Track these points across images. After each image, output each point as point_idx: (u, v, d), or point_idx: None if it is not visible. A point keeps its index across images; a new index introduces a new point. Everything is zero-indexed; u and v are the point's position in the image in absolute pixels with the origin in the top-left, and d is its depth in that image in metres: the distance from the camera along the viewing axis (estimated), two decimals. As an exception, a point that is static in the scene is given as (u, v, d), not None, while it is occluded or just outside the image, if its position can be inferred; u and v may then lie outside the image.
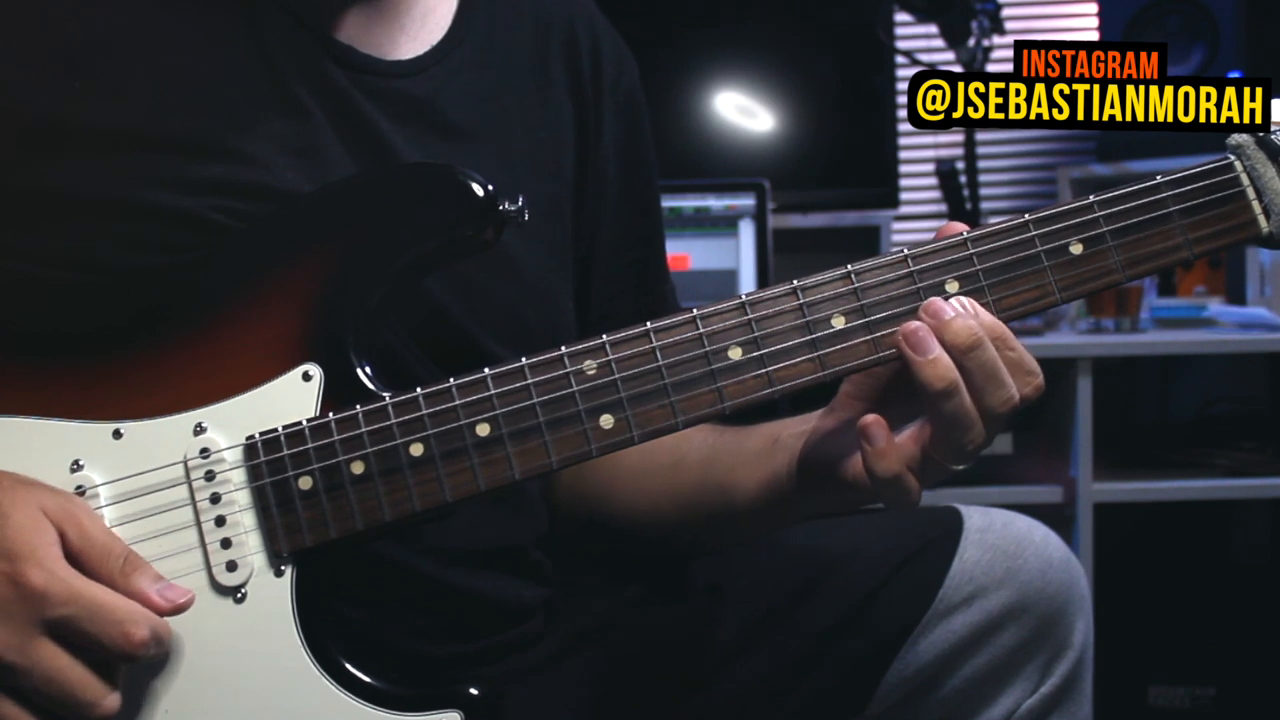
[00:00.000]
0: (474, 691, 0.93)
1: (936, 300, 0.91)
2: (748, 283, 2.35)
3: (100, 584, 0.86)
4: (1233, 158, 0.95)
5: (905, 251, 0.94)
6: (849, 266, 0.94)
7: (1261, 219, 0.94)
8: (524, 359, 0.92)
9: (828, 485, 1.00)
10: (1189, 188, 0.94)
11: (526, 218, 0.96)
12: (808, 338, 0.93)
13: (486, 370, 0.92)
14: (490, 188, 0.95)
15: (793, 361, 0.93)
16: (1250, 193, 0.94)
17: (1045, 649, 1.13)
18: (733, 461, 1.10)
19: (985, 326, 0.90)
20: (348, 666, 0.92)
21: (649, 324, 0.93)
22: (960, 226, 0.95)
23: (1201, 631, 2.49)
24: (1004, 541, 1.14)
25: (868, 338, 0.93)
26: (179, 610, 0.88)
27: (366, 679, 0.92)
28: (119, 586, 0.86)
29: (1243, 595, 2.55)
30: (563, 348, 0.93)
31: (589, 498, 1.21)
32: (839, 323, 0.93)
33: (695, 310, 0.93)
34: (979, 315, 0.91)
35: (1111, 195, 0.94)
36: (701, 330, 0.93)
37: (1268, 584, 2.60)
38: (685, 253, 2.36)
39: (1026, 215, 0.94)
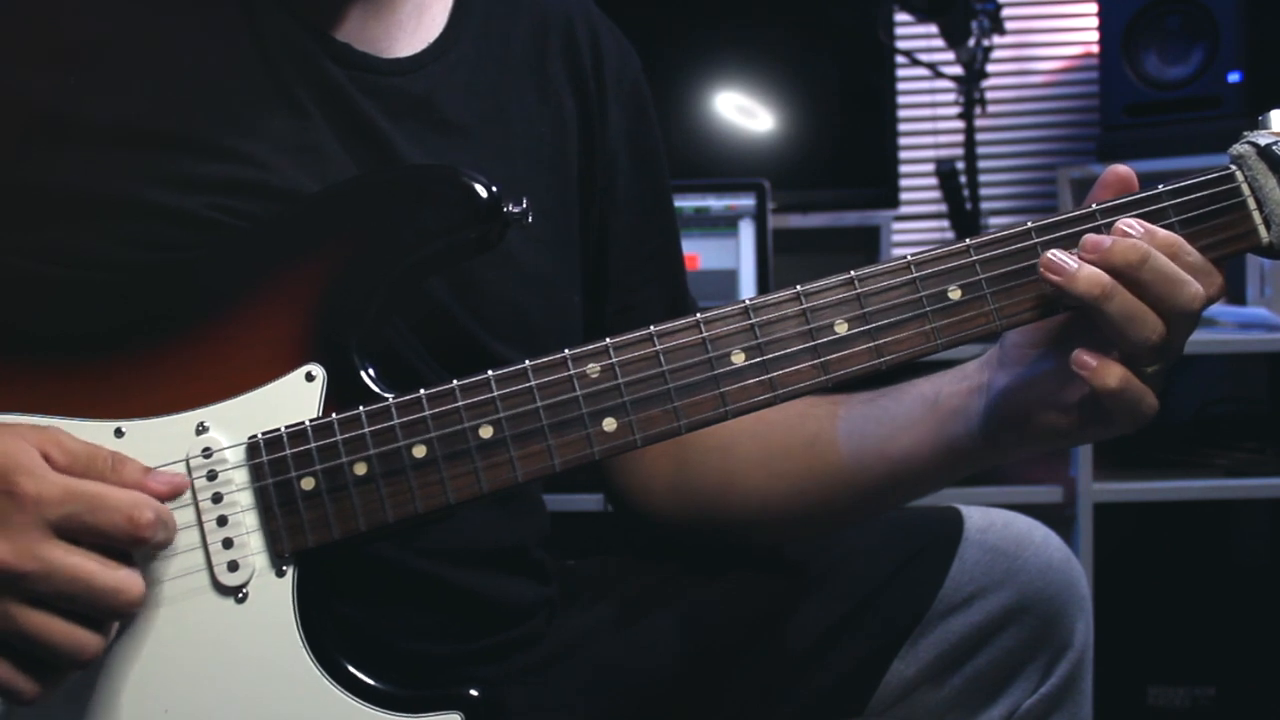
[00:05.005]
0: (474, 693, 0.93)
1: (1090, 235, 0.91)
2: (748, 283, 2.35)
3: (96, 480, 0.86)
4: (1234, 167, 0.95)
5: (908, 258, 0.94)
6: (852, 273, 0.94)
7: (1262, 229, 0.94)
8: (527, 361, 0.93)
9: (1024, 435, 0.99)
10: (1190, 197, 0.94)
11: (530, 219, 0.96)
12: (810, 344, 0.93)
13: (490, 372, 0.93)
14: (494, 189, 0.95)
15: (795, 367, 0.93)
16: (1251, 203, 0.94)
17: (1045, 649, 1.14)
18: (889, 430, 1.07)
19: (1158, 241, 0.90)
20: (349, 667, 0.92)
21: (652, 328, 0.93)
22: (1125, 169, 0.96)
23: (1201, 631, 2.49)
24: (1004, 542, 1.14)
25: (870, 344, 0.93)
26: (176, 491, 0.89)
27: (367, 680, 0.92)
28: (110, 481, 0.87)
29: (1243, 595, 2.55)
30: (566, 350, 0.93)
31: (702, 492, 1.18)
32: (842, 329, 0.93)
33: (698, 314, 0.94)
34: (1154, 233, 0.91)
35: (1114, 203, 0.94)
36: (705, 334, 0.93)
37: (1268, 584, 2.60)
38: (695, 253, 2.36)
39: (1029, 222, 0.94)
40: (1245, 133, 0.96)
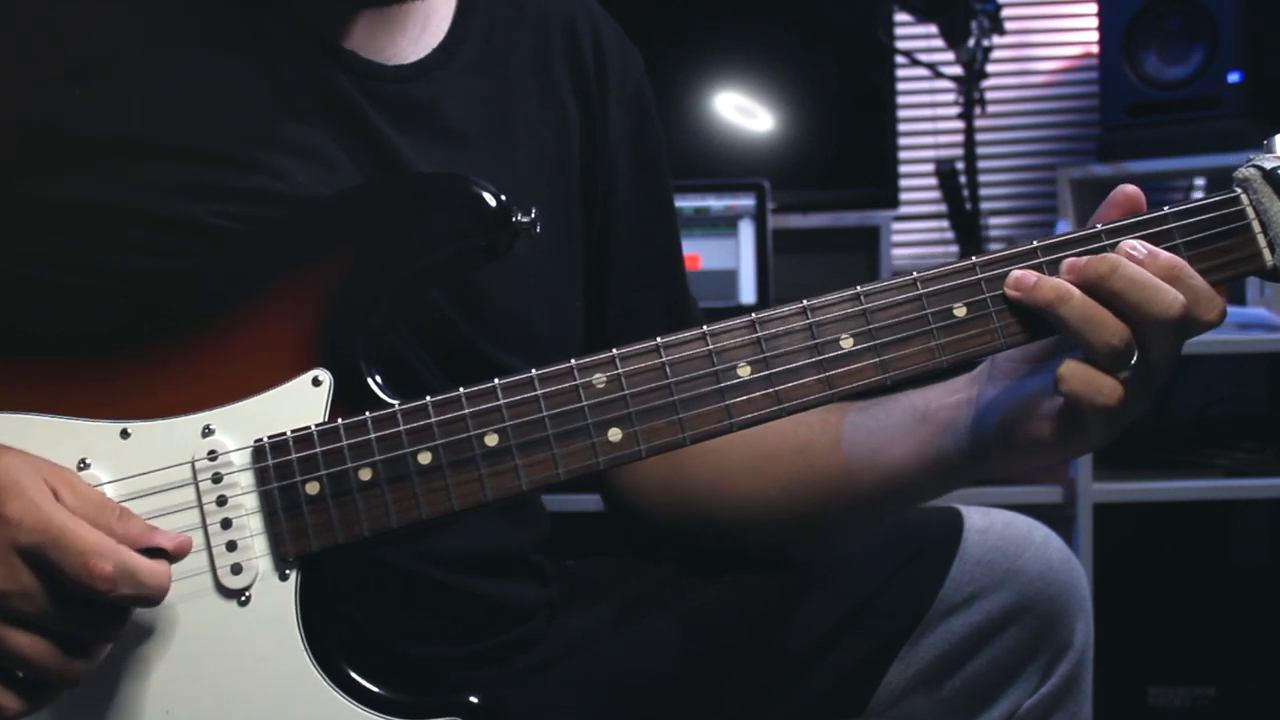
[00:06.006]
0: (474, 699, 0.93)
1: (1068, 259, 0.92)
2: (748, 283, 2.36)
3: (82, 521, 0.84)
4: (1239, 191, 0.95)
5: (914, 275, 0.95)
6: (858, 288, 0.94)
7: (1266, 252, 0.95)
8: (534, 370, 0.93)
9: (1009, 448, 0.99)
10: (1195, 219, 0.95)
11: (539, 229, 0.96)
12: (816, 358, 0.94)
13: (496, 381, 0.93)
14: (503, 198, 0.96)
15: (800, 381, 0.93)
16: (1255, 226, 0.95)
17: (1046, 649, 1.14)
18: (879, 441, 1.07)
19: (1160, 263, 0.91)
20: (350, 672, 0.92)
21: (659, 339, 0.93)
22: (1132, 188, 0.96)
23: (1201, 631, 2.50)
24: (1004, 542, 1.15)
25: (875, 360, 0.94)
26: (180, 550, 0.88)
27: (368, 685, 0.92)
28: (115, 534, 0.85)
29: (1243, 595, 2.56)
30: (572, 360, 0.93)
31: (693, 494, 1.18)
32: (847, 344, 0.94)
33: (705, 326, 0.94)
34: (1157, 255, 0.91)
35: (1118, 225, 0.95)
36: (711, 347, 0.93)
37: (1268, 584, 2.60)
38: (695, 253, 2.36)
39: (1035, 242, 0.95)
40: (1250, 156, 0.96)
